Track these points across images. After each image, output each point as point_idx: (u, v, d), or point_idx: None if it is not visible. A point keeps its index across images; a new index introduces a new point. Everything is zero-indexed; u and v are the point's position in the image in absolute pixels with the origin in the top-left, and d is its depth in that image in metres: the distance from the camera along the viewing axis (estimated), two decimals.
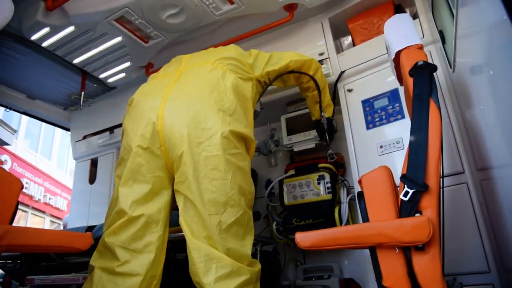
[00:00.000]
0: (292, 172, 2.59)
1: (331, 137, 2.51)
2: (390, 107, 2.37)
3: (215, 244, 1.45)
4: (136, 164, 1.59)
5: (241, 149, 1.63)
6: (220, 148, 1.52)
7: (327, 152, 2.55)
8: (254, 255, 2.31)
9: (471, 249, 1.90)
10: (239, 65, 1.89)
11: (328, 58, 2.73)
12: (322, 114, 2.42)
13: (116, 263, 1.47)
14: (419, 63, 1.34)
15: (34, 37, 2.66)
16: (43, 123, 4.11)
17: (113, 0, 2.47)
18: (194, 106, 1.60)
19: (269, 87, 2.25)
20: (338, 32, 2.93)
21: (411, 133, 1.20)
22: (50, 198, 13.16)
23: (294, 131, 2.77)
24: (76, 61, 3.01)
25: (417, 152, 1.15)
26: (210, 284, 1.39)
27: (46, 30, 2.59)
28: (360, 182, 1.24)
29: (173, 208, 1.71)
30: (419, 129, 1.18)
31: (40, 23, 2.50)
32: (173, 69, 1.92)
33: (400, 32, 1.57)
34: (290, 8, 2.65)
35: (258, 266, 1.58)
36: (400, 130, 2.29)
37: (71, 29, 2.63)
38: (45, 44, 2.75)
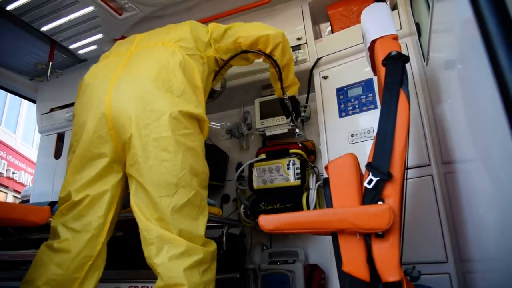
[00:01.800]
0: (263, 156, 2.58)
1: (297, 116, 2.39)
2: (364, 96, 2.39)
3: (167, 225, 1.45)
4: (84, 149, 1.58)
5: (192, 129, 1.62)
6: (169, 129, 1.51)
7: (295, 132, 2.46)
8: (220, 237, 2.32)
9: (431, 240, 1.96)
10: (190, 44, 1.84)
11: (306, 43, 2.71)
12: (284, 94, 2.26)
13: (57, 240, 1.51)
14: (393, 53, 1.34)
15: None
16: (9, 94, 3.92)
17: None
18: (141, 88, 1.57)
19: (244, 68, 2.21)
20: (318, 18, 2.91)
21: (380, 121, 1.21)
22: (13, 173, 12.71)
23: (268, 115, 2.75)
24: (44, 28, 2.86)
25: (383, 141, 1.16)
26: (162, 264, 1.40)
27: None
28: (326, 168, 1.24)
29: (127, 190, 1.71)
30: (387, 118, 1.19)
31: None
32: (125, 49, 1.87)
33: (377, 21, 1.56)
34: None
35: (212, 246, 1.59)
36: (372, 120, 2.32)
37: None
38: (9, 7, 2.58)
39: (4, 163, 12.25)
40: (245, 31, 1.99)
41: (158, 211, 1.46)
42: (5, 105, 13.25)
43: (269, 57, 2.08)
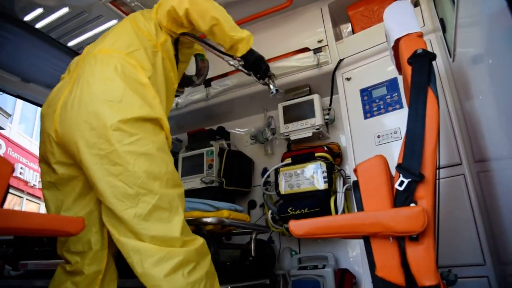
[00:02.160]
0: (288, 160, 2.57)
1: (261, 72, 2.02)
2: (389, 96, 2.35)
3: (139, 236, 1.44)
4: (53, 177, 1.62)
5: (140, 133, 1.53)
6: (112, 143, 1.46)
7: (269, 90, 2.10)
8: (248, 243, 2.32)
9: (467, 241, 1.89)
10: (130, 41, 1.73)
11: (327, 45, 2.69)
12: (232, 61, 1.97)
13: (68, 265, 1.60)
14: (418, 51, 1.31)
15: (27, 18, 2.62)
16: (39, 108, 4.05)
17: None
18: (82, 109, 1.52)
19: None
20: (338, 19, 2.89)
21: (408, 122, 1.18)
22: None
23: (292, 119, 2.74)
24: (70, 43, 2.97)
25: (413, 142, 1.13)
26: (143, 274, 1.40)
27: (39, 11, 2.54)
28: (355, 171, 1.22)
29: None
30: (416, 118, 1.16)
31: (33, 3, 2.46)
32: (75, 65, 1.78)
33: (400, 19, 1.53)
34: None
35: (196, 243, 1.55)
36: (398, 120, 2.27)
37: (65, 10, 2.58)
38: (38, 25, 2.70)
39: (36, 175, 12.68)
40: (160, 9, 1.85)
41: (127, 224, 1.45)
42: (36, 119, 13.72)
43: (191, 35, 1.93)
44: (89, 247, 1.58)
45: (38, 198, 12.87)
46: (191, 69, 2.26)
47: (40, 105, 4.00)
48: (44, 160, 1.66)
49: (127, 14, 2.68)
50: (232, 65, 1.98)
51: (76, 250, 1.58)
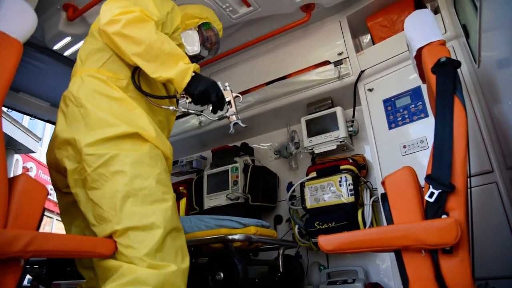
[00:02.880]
0: (313, 174, 2.55)
1: (217, 105, 1.70)
2: (413, 105, 2.31)
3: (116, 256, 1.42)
4: (66, 200, 1.68)
5: (112, 152, 1.44)
6: (85, 167, 1.42)
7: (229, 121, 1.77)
8: (276, 259, 2.31)
9: (504, 252, 1.82)
10: (96, 53, 1.64)
11: (348, 57, 2.69)
12: (178, 99, 1.80)
13: (83, 282, 1.63)
14: (442, 60, 1.30)
15: (56, 47, 2.73)
16: None
17: None
18: (60, 139, 1.52)
19: (287, 88, 2.09)
20: (357, 30, 2.88)
21: (435, 132, 1.16)
22: None
23: (315, 133, 2.74)
24: None
25: (442, 152, 1.11)
26: None
27: (67, 39, 2.65)
28: (383, 183, 1.21)
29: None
30: (444, 127, 1.14)
31: (62, 33, 2.56)
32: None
33: (421, 28, 1.52)
34: (307, 8, 2.63)
35: (164, 269, 1.34)
36: (424, 129, 2.23)
37: None
38: (67, 53, 2.81)
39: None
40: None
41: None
42: None
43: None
44: None
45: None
46: (190, 47, 2.02)
47: None
48: (55, 187, 1.72)
49: None
50: (180, 100, 1.76)
51: (89, 264, 1.58)
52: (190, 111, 1.74)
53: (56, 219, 12.68)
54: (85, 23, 2.54)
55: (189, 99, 1.64)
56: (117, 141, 1.47)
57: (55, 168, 1.61)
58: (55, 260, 2.54)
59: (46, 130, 12.77)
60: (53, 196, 12.09)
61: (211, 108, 1.69)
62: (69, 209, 1.67)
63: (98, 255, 1.29)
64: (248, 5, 2.53)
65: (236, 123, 1.73)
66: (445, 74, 1.25)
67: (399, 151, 2.28)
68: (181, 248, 1.45)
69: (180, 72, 1.57)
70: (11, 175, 1.20)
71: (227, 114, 1.74)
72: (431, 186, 1.08)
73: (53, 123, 3.90)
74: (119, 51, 1.58)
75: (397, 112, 2.37)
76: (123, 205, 1.37)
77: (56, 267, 2.57)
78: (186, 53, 1.90)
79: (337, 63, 2.70)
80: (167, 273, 1.31)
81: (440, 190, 1.06)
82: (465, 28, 2.02)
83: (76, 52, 2.79)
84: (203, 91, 1.62)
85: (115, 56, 1.61)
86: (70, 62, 2.95)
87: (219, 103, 1.70)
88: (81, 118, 1.49)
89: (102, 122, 1.48)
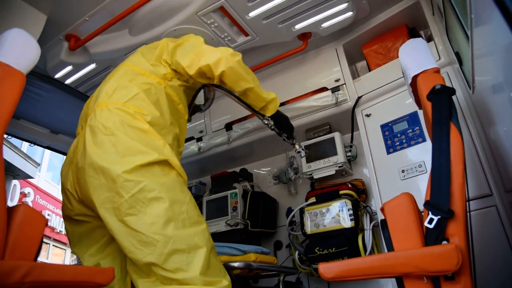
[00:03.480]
0: (313, 199, 2.55)
1: (289, 133, 2.16)
2: (410, 130, 2.34)
3: (165, 281, 1.45)
4: (79, 228, 1.71)
5: (147, 179, 1.51)
6: (122, 194, 1.48)
7: (294, 149, 2.24)
8: (277, 286, 2.27)
9: (506, 276, 1.80)
10: (132, 86, 1.74)
11: (345, 84, 2.74)
12: (263, 119, 2.06)
13: None
14: (437, 87, 1.33)
15: (57, 75, 2.77)
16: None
17: (131, 37, 2.56)
18: (90, 167, 1.55)
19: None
20: (353, 57, 2.95)
21: (433, 158, 1.18)
22: None
23: (314, 158, 2.75)
24: None
25: (439, 178, 1.12)
26: None
27: (69, 68, 2.69)
28: (382, 210, 1.21)
29: None
30: (441, 154, 1.15)
31: (63, 62, 2.60)
32: (83, 121, 1.79)
33: (415, 56, 1.56)
34: (304, 37, 2.69)
35: (219, 285, 1.50)
36: (421, 154, 2.25)
37: (92, 66, 2.73)
38: (68, 81, 2.85)
39: (62, 221, 12.89)
40: (186, 59, 1.81)
41: (149, 271, 1.45)
42: None
43: (218, 87, 1.95)
44: None
45: (64, 244, 13.03)
46: (199, 99, 2.30)
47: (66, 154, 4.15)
48: (65, 215, 1.73)
49: None
50: (266, 124, 2.07)
51: None
52: (275, 129, 2.12)
53: (53, 245, 12.53)
54: (87, 52, 2.60)
55: (271, 121, 2.05)
56: (149, 168, 1.55)
57: (77, 196, 1.62)
58: None
59: (44, 156, 12.79)
60: (50, 222, 12.02)
61: (285, 134, 2.15)
62: (82, 238, 1.69)
63: (95, 284, 1.27)
64: (246, 35, 2.59)
65: (304, 150, 2.24)
66: (440, 101, 1.27)
67: (398, 176, 2.29)
68: (221, 264, 1.60)
69: (276, 97, 2.01)
70: (9, 201, 1.19)
71: (296, 142, 2.23)
72: (430, 212, 1.08)
73: (53, 149, 3.91)
74: (235, 76, 1.79)
75: (395, 137, 2.40)
76: (166, 229, 1.45)
77: None
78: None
79: (335, 89, 2.75)
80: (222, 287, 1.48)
81: (439, 216, 1.07)
82: (458, 55, 2.06)
83: (77, 81, 2.85)
84: (286, 119, 2.14)
85: (142, 92, 1.71)
86: (70, 90, 2.99)
87: (292, 131, 2.19)
88: (111, 146, 1.54)
89: (133, 150, 1.55)
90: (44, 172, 12.79)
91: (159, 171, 1.58)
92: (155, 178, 1.54)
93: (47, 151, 12.62)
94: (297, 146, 2.23)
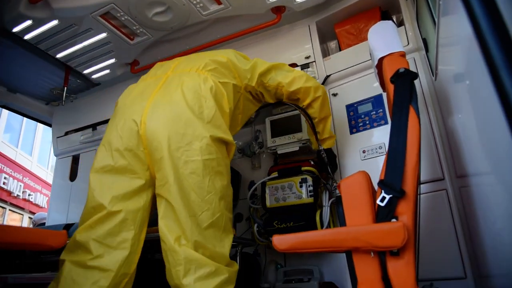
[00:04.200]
0: (275, 174, 2.58)
1: (333, 168, 2.41)
2: (374, 112, 2.40)
3: (194, 245, 1.47)
4: (119, 164, 1.62)
5: (220, 153, 1.66)
6: (199, 154, 1.56)
7: (331, 186, 2.45)
8: (234, 257, 2.31)
9: (449, 255, 1.92)
10: (225, 72, 1.92)
11: (314, 61, 2.74)
12: (320, 147, 2.33)
13: (89, 257, 1.46)
14: (400, 70, 1.36)
15: (16, 30, 2.61)
16: (25, 118, 4.03)
17: None
18: (176, 112, 1.62)
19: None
20: (325, 36, 2.95)
21: (390, 139, 1.21)
22: (29, 194, 12.91)
23: (279, 133, 2.77)
24: (59, 55, 2.97)
25: (395, 158, 1.16)
26: (189, 285, 1.40)
27: (28, 23, 2.54)
28: (338, 186, 1.24)
29: (153, 209, 1.73)
30: (398, 135, 1.19)
31: (22, 15, 2.45)
32: (162, 72, 1.94)
33: (384, 39, 1.58)
34: (278, 10, 2.66)
35: (235, 267, 1.60)
36: (383, 136, 2.32)
37: (54, 23, 2.59)
38: (27, 37, 2.70)
39: (20, 185, 12.45)
40: (286, 77, 2.10)
41: (186, 231, 1.48)
42: (22, 129, 13.56)
43: (303, 110, 2.22)
44: (124, 246, 1.52)
45: (22, 208, 12.64)
46: None
47: (27, 116, 3.98)
48: (107, 144, 1.68)
49: (117, 28, 2.70)
50: (320, 151, 2.33)
51: (107, 243, 1.50)
52: (325, 158, 2.34)
53: (10, 209, 12.14)
54: (49, 7, 2.45)
55: (325, 154, 2.33)
56: (221, 144, 1.72)
57: (143, 134, 1.61)
58: (2, 252, 2.43)
59: (2, 116, 12.19)
60: (7, 185, 11.59)
61: (330, 167, 2.37)
62: (114, 179, 1.66)
63: (47, 247, 1.25)
64: (219, 3, 2.53)
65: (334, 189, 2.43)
66: (402, 85, 1.30)
67: (359, 156, 2.35)
68: None
69: (334, 136, 2.36)
70: None
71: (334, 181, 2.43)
72: (383, 191, 1.12)
73: (9, 108, 3.73)
74: (324, 102, 2.17)
75: (359, 117, 2.45)
76: (217, 204, 1.59)
77: (3, 259, 2.46)
78: None
79: (304, 66, 2.75)
80: (236, 269, 1.59)
81: (391, 195, 1.11)
82: (425, 42, 2.11)
83: (38, 37, 2.70)
84: (335, 156, 2.42)
85: (231, 85, 1.92)
86: (30, 47, 2.83)
87: (335, 167, 2.44)
88: (198, 106, 1.68)
89: (218, 123, 1.72)
90: (1, 134, 12.21)
91: (225, 152, 1.73)
92: (223, 157, 1.68)
93: (5, 112, 12.01)
94: (334, 184, 2.42)
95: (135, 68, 3.22)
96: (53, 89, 3.52)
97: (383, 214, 1.11)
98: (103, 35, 2.75)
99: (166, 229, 1.52)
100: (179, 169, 1.54)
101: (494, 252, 1.29)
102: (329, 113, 2.23)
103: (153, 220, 1.70)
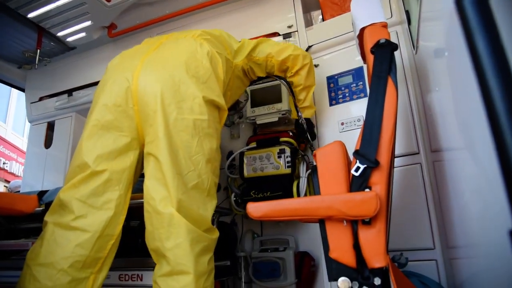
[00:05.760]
0: (253, 144, 2.58)
1: (312, 137, 2.43)
2: (354, 85, 2.39)
3: (178, 205, 1.44)
4: (106, 120, 1.57)
5: (211, 116, 1.63)
6: (190, 112, 1.55)
7: (311, 152, 2.51)
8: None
9: (420, 227, 1.98)
10: (218, 44, 1.91)
11: (297, 31, 2.70)
12: (299, 114, 2.34)
13: (71, 217, 1.43)
14: (381, 41, 1.34)
15: None
16: (2, 84, 3.87)
17: None
18: (169, 70, 1.59)
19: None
20: (309, 5, 2.89)
21: (367, 110, 1.21)
22: (4, 163, 12.59)
23: (258, 103, 2.74)
24: (31, 15, 2.81)
25: (371, 129, 1.16)
26: (172, 249, 1.39)
27: None
28: (314, 156, 1.25)
29: (139, 175, 1.70)
30: (375, 106, 1.19)
31: None
32: (155, 40, 1.91)
33: (366, 9, 1.56)
34: None
35: (216, 234, 1.60)
36: (362, 109, 2.32)
37: None
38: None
39: None
40: (274, 48, 2.16)
41: (171, 189, 1.45)
42: None
43: (287, 83, 2.31)
44: (108, 207, 1.48)
45: None
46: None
47: (1, 81, 3.81)
48: (95, 101, 1.63)
49: None
50: (300, 116, 2.35)
51: (91, 203, 1.46)
52: (304, 126, 2.36)
53: (4, 186, 11.85)
54: None
55: (305, 121, 2.34)
56: (214, 108, 1.71)
57: (135, 90, 1.58)
58: None
59: None
60: None
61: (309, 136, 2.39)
62: (100, 134, 1.61)
63: (17, 212, 1.23)
64: None
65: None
66: (382, 55, 1.30)
67: (337, 128, 2.36)
68: None
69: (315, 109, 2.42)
70: None
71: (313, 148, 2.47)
72: (357, 161, 1.13)
73: None
74: (310, 70, 2.22)
75: (339, 90, 2.44)
76: (203, 166, 1.59)
77: None
78: None
79: (286, 35, 2.71)
80: (216, 237, 1.60)
81: (365, 165, 1.12)
82: (408, 14, 2.09)
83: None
84: (313, 125, 2.47)
85: (224, 58, 1.88)
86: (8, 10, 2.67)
87: (314, 136, 2.47)
88: (194, 66, 1.67)
89: (213, 86, 1.71)
90: None
91: (217, 116, 1.72)
92: (214, 120, 1.67)
93: None
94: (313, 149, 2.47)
95: (112, 32, 3.10)
96: (25, 51, 3.36)
97: (357, 184, 1.12)
98: None
99: (152, 189, 1.49)
100: (169, 125, 1.51)
101: (461, 224, 1.33)
102: (313, 83, 2.26)
103: (136, 189, 1.69)
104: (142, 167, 1.65)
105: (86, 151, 1.54)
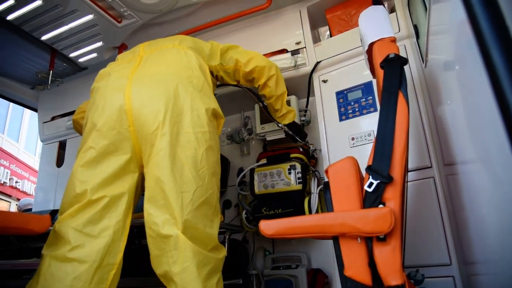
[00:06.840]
0: (264, 161, 2.57)
1: (302, 137, 2.49)
2: (364, 99, 2.39)
3: (183, 226, 1.39)
4: (100, 146, 1.52)
5: (211, 127, 1.61)
6: (190, 125, 1.51)
7: (309, 148, 2.58)
8: (222, 243, 2.31)
9: (435, 242, 1.94)
10: (198, 48, 1.91)
11: (305, 47, 2.71)
12: (279, 124, 2.40)
13: (67, 248, 1.36)
14: (390, 56, 1.34)
15: None
16: (11, 103, 3.93)
17: None
18: (163, 85, 1.55)
19: None
20: (316, 21, 2.91)
21: (379, 125, 1.20)
22: (16, 182, 12.73)
23: (268, 120, 2.75)
24: (44, 37, 2.88)
25: (383, 144, 1.15)
26: (179, 273, 1.34)
27: (11, 2, 2.45)
28: (326, 172, 1.24)
29: (140, 194, 1.67)
30: (386, 121, 1.18)
31: None
32: (133, 55, 1.85)
33: (374, 24, 1.56)
34: None
35: (223, 253, 1.56)
36: (372, 123, 2.31)
37: (38, 2, 2.49)
38: (10, 17, 2.60)
39: (7, 172, 12.27)
40: (243, 57, 2.13)
41: (175, 210, 1.39)
42: (8, 114, 13.32)
43: (255, 94, 2.38)
44: (105, 234, 1.41)
45: (9, 196, 12.47)
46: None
47: (12, 100, 3.89)
48: (90, 126, 1.57)
49: (103, 9, 2.62)
50: (280, 127, 2.41)
51: (88, 231, 1.39)
52: (289, 131, 2.45)
53: (16, 204, 11.96)
54: None
55: (286, 128, 2.42)
56: (213, 118, 1.71)
57: (128, 110, 1.55)
58: None
59: None
60: (8, 180, 11.36)
61: (300, 137, 2.46)
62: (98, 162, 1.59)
63: (29, 231, 1.22)
64: None
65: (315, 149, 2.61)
66: (392, 70, 1.29)
67: (348, 143, 2.35)
68: None
69: (294, 110, 2.44)
70: None
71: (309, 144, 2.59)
72: (370, 177, 1.12)
73: None
74: (278, 80, 2.23)
75: (349, 104, 2.44)
76: (210, 180, 1.57)
77: None
78: None
79: (295, 52, 2.72)
80: (222, 257, 1.58)
81: (378, 181, 1.10)
82: (416, 28, 2.09)
83: (21, 18, 2.61)
84: (299, 126, 2.50)
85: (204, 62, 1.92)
86: (14, 28, 2.73)
87: (304, 136, 2.52)
88: (185, 77, 1.67)
89: (208, 93, 1.73)
90: None
91: (215, 125, 1.71)
92: (214, 131, 1.64)
93: None
94: (311, 147, 2.56)
95: (123, 52, 3.15)
96: (39, 72, 3.43)
97: (371, 200, 1.11)
98: (90, 17, 2.67)
99: (153, 212, 1.43)
100: (172, 142, 1.46)
101: (479, 239, 1.29)
102: (285, 90, 2.28)
103: (139, 207, 1.66)
104: (142, 189, 1.60)
105: (83, 180, 1.48)
